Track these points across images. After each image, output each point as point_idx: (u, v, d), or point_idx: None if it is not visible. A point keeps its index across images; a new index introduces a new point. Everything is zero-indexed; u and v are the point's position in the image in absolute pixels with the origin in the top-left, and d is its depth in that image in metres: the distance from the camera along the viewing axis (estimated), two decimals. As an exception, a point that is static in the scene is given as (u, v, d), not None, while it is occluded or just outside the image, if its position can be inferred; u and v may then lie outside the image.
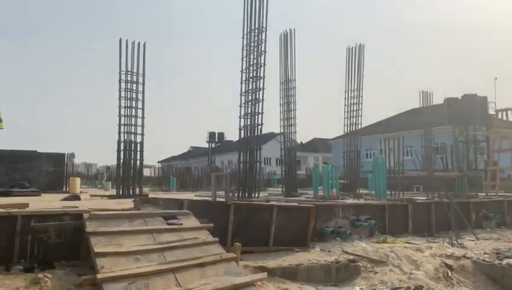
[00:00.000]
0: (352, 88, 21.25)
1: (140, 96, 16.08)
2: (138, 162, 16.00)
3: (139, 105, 16.03)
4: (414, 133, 25.75)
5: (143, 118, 16.00)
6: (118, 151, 15.69)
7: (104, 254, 6.19)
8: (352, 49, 21.33)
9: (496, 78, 40.31)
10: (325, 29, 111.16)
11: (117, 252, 6.39)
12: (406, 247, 10.61)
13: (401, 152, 14.72)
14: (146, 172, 41.08)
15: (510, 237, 13.40)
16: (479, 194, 18.71)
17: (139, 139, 15.90)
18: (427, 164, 15.45)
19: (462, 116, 31.81)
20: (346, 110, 21.40)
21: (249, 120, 12.54)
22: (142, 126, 15.95)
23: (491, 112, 39.37)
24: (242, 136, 12.48)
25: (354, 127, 21.10)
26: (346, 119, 21.37)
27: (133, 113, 15.87)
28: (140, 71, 16.10)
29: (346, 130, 21.38)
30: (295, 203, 11.70)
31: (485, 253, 10.26)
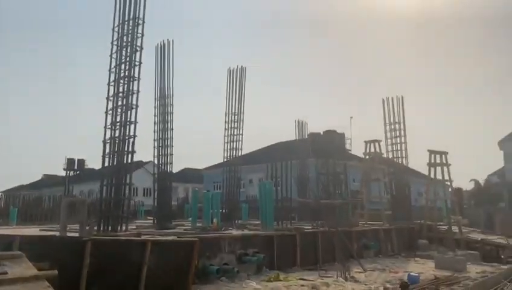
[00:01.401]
0: (233, 111, 20.08)
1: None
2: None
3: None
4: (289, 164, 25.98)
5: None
6: None
7: None
8: (233, 71, 20.32)
9: (352, 117, 44.16)
10: (207, 47, 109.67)
11: None
12: (302, 285, 9.21)
13: (288, 180, 13.69)
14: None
15: (392, 268, 13.11)
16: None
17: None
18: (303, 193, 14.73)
19: (324, 150, 34.01)
20: (226, 134, 20.05)
21: (117, 131, 9.95)
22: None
23: (348, 147, 43.46)
24: (107, 151, 9.78)
25: (234, 152, 19.79)
26: (226, 144, 19.97)
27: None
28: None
29: (226, 156, 19.94)
30: (173, 237, 9.51)
31: (385, 288, 9.35)
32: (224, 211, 19.36)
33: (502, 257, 17.92)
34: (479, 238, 18.79)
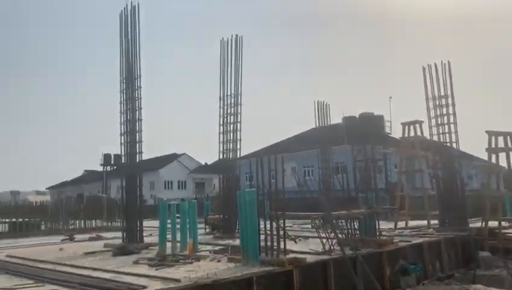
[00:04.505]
0: (229, 94, 16.02)
1: None
2: None
3: None
4: (311, 153, 21.97)
5: None
6: None
7: None
8: (227, 42, 16.15)
9: (391, 97, 38.79)
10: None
11: None
12: None
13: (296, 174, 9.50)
14: None
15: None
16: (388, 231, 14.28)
17: None
18: (323, 199, 10.44)
19: (360, 134, 30.18)
20: (222, 122, 16.06)
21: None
22: None
23: (387, 130, 38.29)
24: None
25: (230, 144, 15.79)
26: (222, 135, 16.00)
27: None
28: None
29: (222, 148, 15.98)
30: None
31: None
32: (224, 216, 15.63)
33: None
34: None
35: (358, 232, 10.89)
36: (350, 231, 10.62)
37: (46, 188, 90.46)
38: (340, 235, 9.93)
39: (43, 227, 22.40)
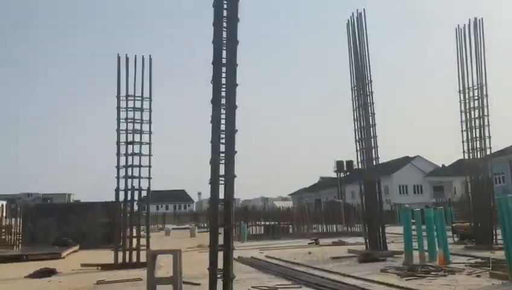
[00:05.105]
0: (471, 86, 14.19)
1: (146, 127, 12.09)
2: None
3: (145, 139, 12.02)
4: None
5: (150, 155, 11.92)
6: (117, 201, 11.81)
7: None
8: (463, 28, 14.38)
9: None
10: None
11: None
12: None
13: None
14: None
15: None
16: None
17: (145, 184, 11.77)
18: None
19: None
20: (463, 118, 14.34)
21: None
22: (149, 167, 11.84)
23: None
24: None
25: (477, 143, 13.87)
26: (465, 133, 14.27)
27: (137, 151, 11.91)
28: (146, 94, 12.21)
29: (467, 147, 14.22)
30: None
31: None
32: (476, 225, 13.82)
33: None
34: None
35: None
36: None
37: (288, 195, 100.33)
38: None
39: (290, 230, 24.70)
